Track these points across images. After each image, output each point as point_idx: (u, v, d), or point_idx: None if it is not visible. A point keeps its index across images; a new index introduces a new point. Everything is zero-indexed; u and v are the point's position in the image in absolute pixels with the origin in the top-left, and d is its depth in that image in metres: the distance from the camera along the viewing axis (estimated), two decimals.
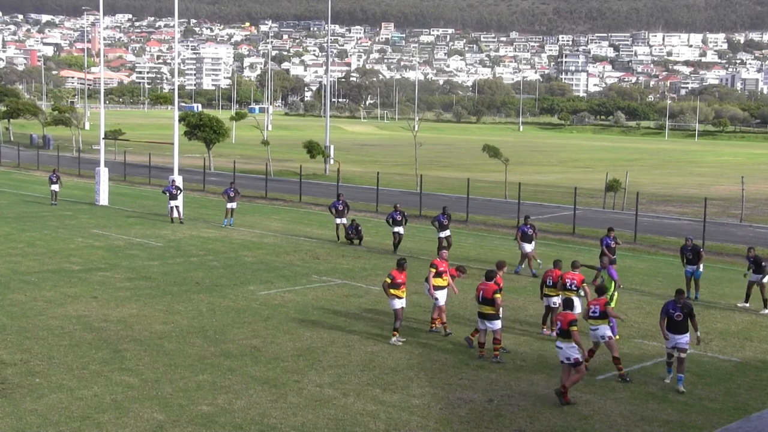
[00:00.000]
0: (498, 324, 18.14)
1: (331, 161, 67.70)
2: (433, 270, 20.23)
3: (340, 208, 34.28)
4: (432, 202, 46.79)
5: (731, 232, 40.17)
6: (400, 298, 19.26)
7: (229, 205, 37.85)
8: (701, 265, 25.24)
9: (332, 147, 70.57)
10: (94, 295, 23.18)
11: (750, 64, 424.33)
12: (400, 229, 32.09)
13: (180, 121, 60.42)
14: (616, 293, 20.54)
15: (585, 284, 19.81)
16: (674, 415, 15.04)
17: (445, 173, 67.75)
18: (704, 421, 14.59)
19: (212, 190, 53.27)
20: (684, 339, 16.78)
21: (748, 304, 24.25)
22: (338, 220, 34.32)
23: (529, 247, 28.27)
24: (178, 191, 39.30)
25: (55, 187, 44.24)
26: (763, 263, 23.96)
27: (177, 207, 38.90)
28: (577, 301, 19.44)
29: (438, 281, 20.17)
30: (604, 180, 49.60)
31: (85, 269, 26.89)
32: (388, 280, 19.24)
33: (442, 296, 20.15)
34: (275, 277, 26.47)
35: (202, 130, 67.82)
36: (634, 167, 74.32)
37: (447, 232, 31.26)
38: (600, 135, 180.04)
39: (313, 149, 63.79)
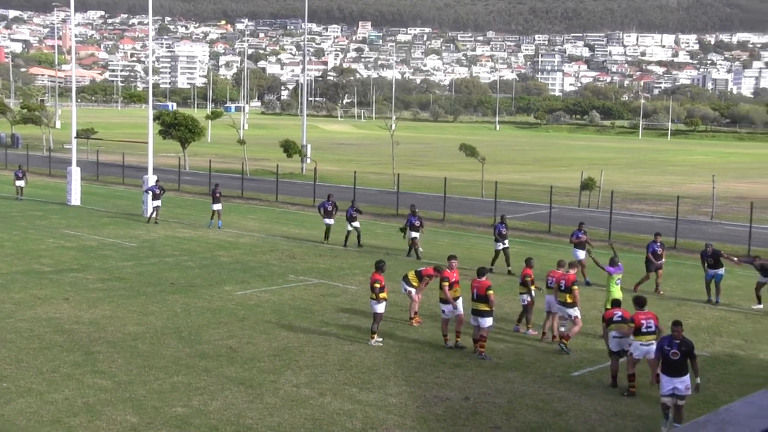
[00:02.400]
0: (489, 321, 18.27)
1: (308, 160, 67.57)
2: (446, 283, 19.05)
3: (329, 208, 33.94)
4: (409, 201, 46.79)
5: (702, 229, 40.50)
6: (385, 300, 19.20)
7: (214, 207, 37.34)
8: (723, 269, 25.06)
9: (309, 146, 70.43)
10: (65, 296, 22.93)
11: (720, 64, 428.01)
12: (356, 224, 32.63)
13: (154, 119, 60.13)
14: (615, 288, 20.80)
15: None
16: (647, 410, 15.17)
17: (422, 172, 67.80)
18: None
19: (187, 189, 53.03)
20: (683, 384, 14.11)
21: (761, 305, 24.08)
22: (327, 221, 33.91)
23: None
24: (162, 192, 39.11)
25: (21, 183, 44.28)
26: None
27: (157, 208, 38.58)
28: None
29: (451, 292, 19.01)
30: (580, 179, 49.83)
31: (56, 270, 26.64)
32: (378, 285, 19.00)
33: (459, 305, 19.08)
34: (251, 277, 26.39)
35: (177, 129, 67.44)
36: (609, 166, 74.73)
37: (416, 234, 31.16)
38: (575, 134, 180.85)
39: (289, 148, 63.62)
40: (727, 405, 2.05)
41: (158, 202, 38.50)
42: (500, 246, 28.80)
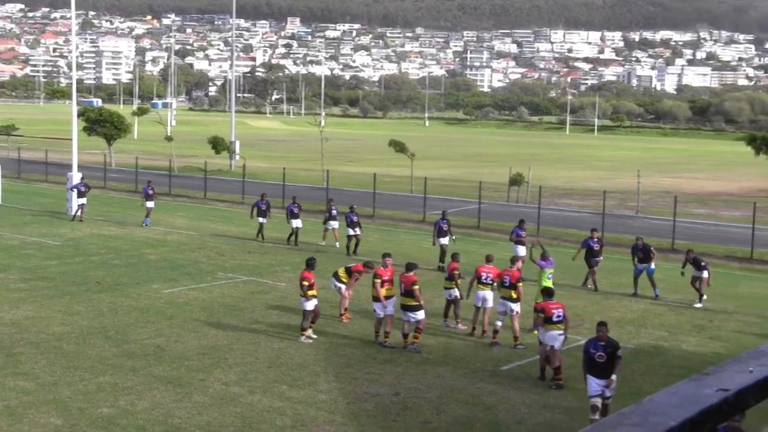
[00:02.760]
0: (421, 314, 18.47)
1: (237, 157, 67.00)
2: (378, 281, 18.90)
3: (263, 207, 33.58)
4: (339, 197, 46.76)
5: (628, 223, 41.27)
6: (315, 297, 19.05)
7: (148, 204, 36.57)
8: (653, 263, 25.23)
9: (237, 142, 69.84)
10: None
11: (644, 61, 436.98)
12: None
13: (79, 116, 58.88)
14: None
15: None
16: (574, 402, 15.38)
17: (352, 168, 67.82)
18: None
19: (113, 187, 52.16)
20: (610, 387, 14.05)
21: (704, 299, 24.14)
22: (260, 219, 33.50)
23: (444, 241, 28.44)
24: (87, 189, 38.39)
25: None
26: (702, 262, 24.34)
27: (83, 206, 37.85)
28: (490, 295, 19.74)
29: (384, 291, 18.86)
30: (508, 174, 50.36)
31: None
32: (306, 283, 18.87)
33: (390, 305, 18.89)
34: (180, 275, 26.08)
35: (103, 125, 66.25)
36: (537, 161, 75.71)
37: (354, 230, 31.23)
38: (504, 130, 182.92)
39: (217, 145, 63.04)
40: (651, 395, 2.06)
41: (83, 200, 37.80)
42: (443, 241, 28.59)
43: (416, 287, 18.43)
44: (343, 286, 21.03)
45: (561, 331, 16.44)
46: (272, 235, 34.31)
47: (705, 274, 24.07)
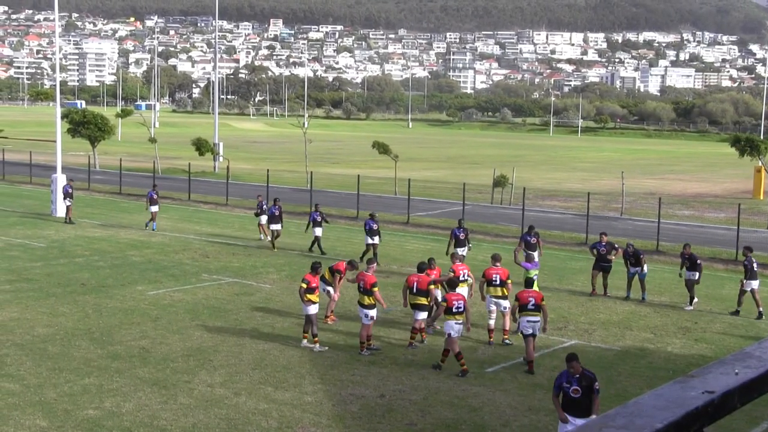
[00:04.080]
0: (372, 312, 18.48)
1: (221, 158, 66.84)
2: (377, 289, 18.74)
3: (276, 213, 31.55)
4: (322, 198, 46.76)
5: (612, 225, 41.35)
6: (315, 302, 18.79)
7: (152, 209, 35.81)
8: (645, 267, 25.08)
9: (221, 144, 69.68)
10: None
11: (628, 63, 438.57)
12: (376, 239, 29.20)
13: (63, 118, 58.65)
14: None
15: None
16: None
17: (336, 170, 67.78)
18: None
19: (98, 188, 51.96)
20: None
21: (692, 307, 24.03)
22: (273, 226, 31.62)
23: (461, 252, 26.39)
24: (72, 190, 38.34)
25: None
26: (698, 260, 24.24)
27: (70, 207, 37.80)
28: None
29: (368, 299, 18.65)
30: (492, 176, 50.43)
31: None
32: (304, 286, 18.69)
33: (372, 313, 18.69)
34: (164, 277, 26.02)
35: (86, 127, 65.98)
36: (521, 163, 75.83)
37: (319, 231, 31.10)
38: (487, 131, 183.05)
39: (201, 146, 62.83)
40: (636, 398, 2.11)
41: (69, 202, 37.77)
42: (460, 252, 26.32)
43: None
44: (331, 288, 21.01)
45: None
46: (255, 236, 34.26)
47: (696, 275, 24.03)
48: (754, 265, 23.24)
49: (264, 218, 33.17)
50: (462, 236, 27.45)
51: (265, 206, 33.83)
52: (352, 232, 36.93)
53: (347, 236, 34.91)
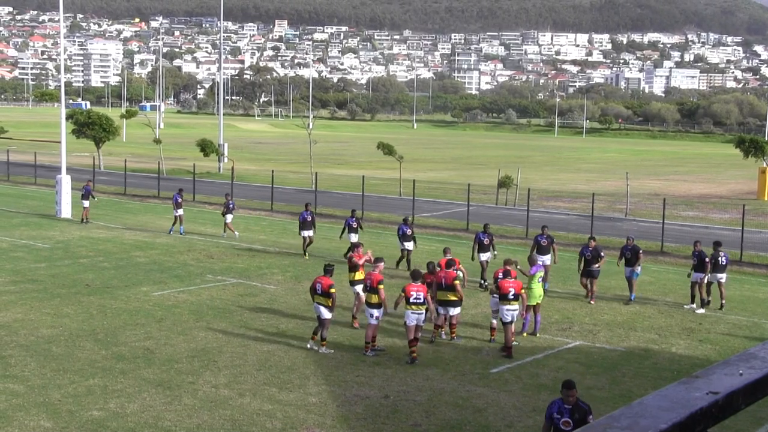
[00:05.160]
0: (377, 313, 18.47)
1: (225, 159, 66.93)
2: (382, 287, 18.53)
3: (309, 219, 30.63)
4: (327, 199, 46.80)
5: (617, 226, 41.35)
6: (329, 306, 18.36)
7: (177, 213, 35.23)
8: (639, 267, 24.75)
9: (226, 145, 69.76)
10: None
11: (632, 63, 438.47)
12: (409, 245, 28.31)
13: (67, 118, 58.79)
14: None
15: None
16: None
17: (340, 171, 67.80)
18: (592, 410, 14.98)
19: (102, 189, 51.99)
20: None
21: (694, 305, 23.84)
22: (304, 233, 30.65)
23: (485, 257, 26.31)
24: (92, 191, 38.85)
25: None
26: (706, 259, 23.60)
27: (87, 208, 38.10)
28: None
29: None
30: (497, 177, 50.40)
31: None
32: (333, 291, 18.30)
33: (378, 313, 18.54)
34: (169, 278, 26.04)
35: (91, 128, 66.10)
36: (526, 164, 75.79)
37: (310, 232, 30.60)
38: (492, 132, 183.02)
39: (206, 147, 62.91)
40: (640, 398, 2.10)
41: (86, 203, 37.96)
42: (484, 257, 26.36)
43: (457, 282, 19.12)
44: (359, 288, 20.62)
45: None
46: (259, 237, 34.27)
47: (701, 275, 23.74)
48: (721, 259, 23.97)
49: (230, 217, 34.24)
50: (486, 241, 26.56)
51: (232, 206, 34.45)
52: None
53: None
